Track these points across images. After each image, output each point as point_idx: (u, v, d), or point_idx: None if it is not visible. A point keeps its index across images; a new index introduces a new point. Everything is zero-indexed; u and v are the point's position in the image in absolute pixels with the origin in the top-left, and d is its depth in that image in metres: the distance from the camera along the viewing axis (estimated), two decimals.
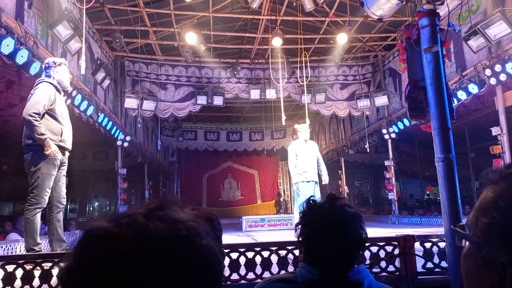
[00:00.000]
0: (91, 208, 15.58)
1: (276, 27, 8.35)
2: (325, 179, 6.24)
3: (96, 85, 7.73)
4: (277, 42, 8.23)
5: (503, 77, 5.82)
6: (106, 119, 7.84)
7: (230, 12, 8.67)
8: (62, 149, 3.61)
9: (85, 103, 6.53)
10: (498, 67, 5.86)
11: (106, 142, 9.45)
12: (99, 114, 7.49)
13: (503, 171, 0.56)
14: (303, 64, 8.77)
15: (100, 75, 7.53)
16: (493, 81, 5.99)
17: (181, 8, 8.22)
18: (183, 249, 0.39)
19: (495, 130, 6.37)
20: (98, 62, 7.61)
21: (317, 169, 6.19)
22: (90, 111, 6.81)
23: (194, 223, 0.42)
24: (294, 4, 7.92)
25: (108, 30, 8.14)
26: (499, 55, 5.91)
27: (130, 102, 8.76)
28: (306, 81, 8.77)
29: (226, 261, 2.53)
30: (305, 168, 6.03)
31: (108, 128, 8.00)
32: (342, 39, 8.53)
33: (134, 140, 10.13)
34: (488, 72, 6.01)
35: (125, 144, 9.13)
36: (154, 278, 0.36)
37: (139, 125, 10.46)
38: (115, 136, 8.62)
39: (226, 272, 2.56)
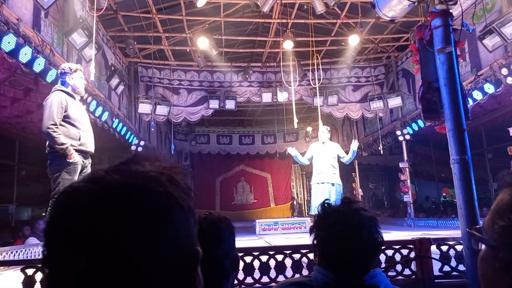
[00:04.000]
0: None
1: (287, 30, 8.35)
2: (354, 146, 6.28)
3: (111, 91, 7.86)
4: (288, 45, 8.22)
5: None
6: (121, 124, 7.95)
7: (241, 16, 8.72)
8: (83, 153, 3.67)
9: (100, 109, 6.64)
10: None
11: (121, 147, 9.56)
12: (114, 119, 7.61)
13: None
14: (315, 67, 8.74)
15: (114, 81, 7.65)
16: (509, 80, 5.87)
17: (193, 14, 8.30)
18: (131, 195, 0.45)
19: None
20: (112, 68, 7.73)
21: (343, 160, 6.28)
22: (105, 116, 6.91)
23: (155, 173, 0.48)
24: (305, 7, 7.92)
25: (122, 36, 8.27)
26: None
27: (144, 107, 8.88)
28: (318, 83, 8.73)
29: (241, 265, 2.54)
30: (320, 169, 6.06)
31: (122, 133, 8.12)
32: (354, 40, 8.47)
33: (148, 145, 10.24)
34: (504, 71, 5.89)
35: (139, 149, 9.23)
36: (105, 221, 0.43)
37: (153, 130, 10.59)
38: (130, 141, 8.73)
39: (241, 275, 2.57)
